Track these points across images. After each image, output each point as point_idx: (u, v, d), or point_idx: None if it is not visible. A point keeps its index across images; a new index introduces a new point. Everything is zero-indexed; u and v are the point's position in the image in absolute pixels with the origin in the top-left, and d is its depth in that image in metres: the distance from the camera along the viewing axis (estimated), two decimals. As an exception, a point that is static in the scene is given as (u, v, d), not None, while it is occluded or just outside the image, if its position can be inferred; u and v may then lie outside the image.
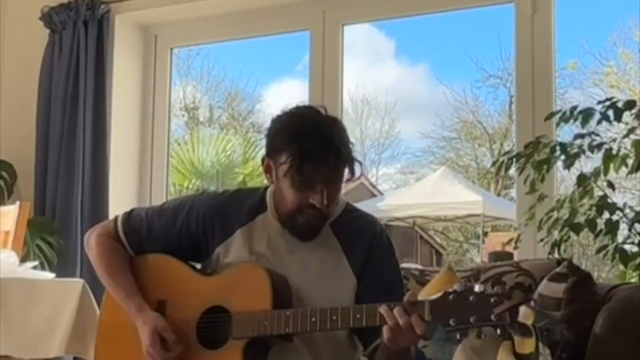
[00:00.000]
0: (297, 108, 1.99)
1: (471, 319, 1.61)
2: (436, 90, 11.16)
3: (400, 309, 1.68)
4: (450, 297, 1.64)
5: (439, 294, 1.68)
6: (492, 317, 1.59)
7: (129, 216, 2.11)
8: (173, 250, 2.04)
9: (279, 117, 1.96)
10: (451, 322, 1.63)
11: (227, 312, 1.90)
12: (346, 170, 1.91)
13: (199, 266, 2.07)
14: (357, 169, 1.93)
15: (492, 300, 1.60)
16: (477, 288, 1.63)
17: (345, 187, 1.96)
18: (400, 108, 11.15)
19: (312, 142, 1.86)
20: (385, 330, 1.70)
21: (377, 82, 11.27)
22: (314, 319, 1.78)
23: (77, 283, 2.84)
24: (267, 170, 1.95)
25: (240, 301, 1.88)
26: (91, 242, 2.11)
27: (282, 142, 1.89)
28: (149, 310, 1.97)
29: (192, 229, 2.03)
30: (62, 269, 3.62)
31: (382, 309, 1.70)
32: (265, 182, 2.02)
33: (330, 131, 1.91)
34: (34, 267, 3.08)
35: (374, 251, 1.98)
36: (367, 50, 10.64)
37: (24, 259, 3.19)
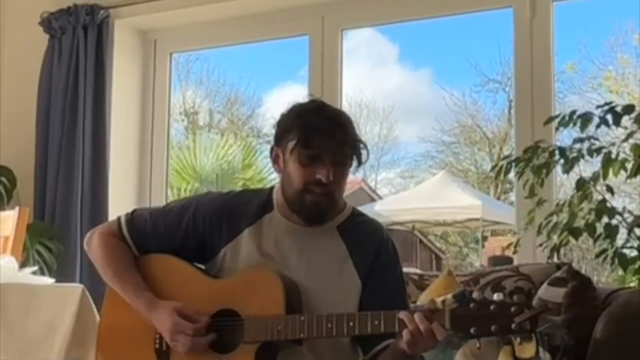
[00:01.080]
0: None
1: (492, 328, 1.63)
2: (436, 94, 11.18)
3: (421, 315, 1.69)
4: (471, 305, 1.66)
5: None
6: (513, 326, 1.62)
7: (132, 216, 2.10)
8: (177, 250, 2.03)
9: (286, 110, 1.97)
10: (472, 331, 1.64)
11: (237, 316, 1.88)
12: (353, 159, 1.93)
13: (203, 268, 2.06)
14: (364, 155, 1.95)
15: (512, 309, 1.63)
16: (496, 297, 1.65)
17: (348, 185, 1.97)
18: (400, 112, 11.16)
19: (319, 117, 1.88)
20: (405, 334, 1.69)
21: (380, 87, 11.28)
22: (329, 325, 1.78)
23: (76, 288, 2.83)
24: (276, 159, 1.97)
25: (252, 305, 1.87)
26: (93, 242, 2.09)
27: (289, 122, 1.92)
28: (162, 302, 1.93)
29: (198, 229, 2.02)
30: (62, 274, 3.61)
31: (402, 314, 1.71)
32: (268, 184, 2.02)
33: (338, 112, 1.96)
34: (34, 273, 3.07)
35: (380, 257, 1.98)
36: (370, 55, 10.66)
37: (23, 264, 3.18)
